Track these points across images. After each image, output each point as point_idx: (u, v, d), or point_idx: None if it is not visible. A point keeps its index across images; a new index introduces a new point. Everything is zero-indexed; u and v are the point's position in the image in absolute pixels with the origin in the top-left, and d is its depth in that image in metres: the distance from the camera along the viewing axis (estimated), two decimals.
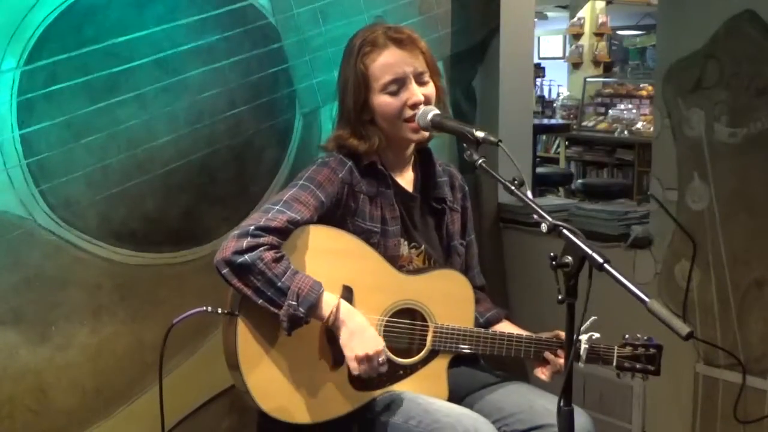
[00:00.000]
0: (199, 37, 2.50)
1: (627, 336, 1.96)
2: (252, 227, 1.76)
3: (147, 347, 2.44)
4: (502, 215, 3.37)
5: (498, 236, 3.37)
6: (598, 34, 9.90)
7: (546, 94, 10.31)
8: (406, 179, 2.02)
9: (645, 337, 1.95)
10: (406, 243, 1.98)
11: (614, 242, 2.94)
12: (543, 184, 6.95)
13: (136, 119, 2.41)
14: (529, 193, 1.67)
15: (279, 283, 1.74)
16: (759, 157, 2.58)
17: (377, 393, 1.88)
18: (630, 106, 8.42)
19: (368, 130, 1.93)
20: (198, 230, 2.55)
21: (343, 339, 1.78)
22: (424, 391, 1.89)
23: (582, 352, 1.90)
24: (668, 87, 2.80)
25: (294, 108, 2.73)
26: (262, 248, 1.74)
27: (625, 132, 7.99)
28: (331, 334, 1.83)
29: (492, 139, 1.74)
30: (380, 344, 1.78)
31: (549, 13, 10.99)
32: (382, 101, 1.91)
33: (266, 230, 1.76)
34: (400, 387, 1.90)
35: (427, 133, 1.93)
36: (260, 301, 1.75)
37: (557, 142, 8.76)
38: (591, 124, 8.59)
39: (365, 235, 1.91)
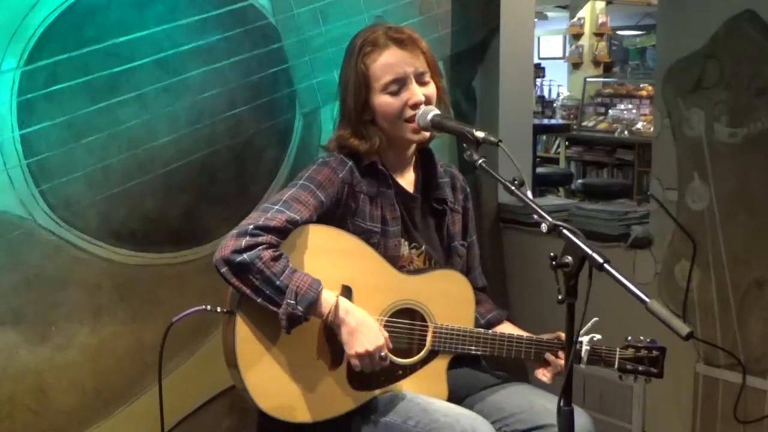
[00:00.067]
0: (199, 37, 2.50)
1: (629, 338, 1.95)
2: (251, 226, 1.76)
3: (147, 347, 2.44)
4: (502, 215, 3.37)
5: (498, 236, 3.37)
6: (598, 34, 9.91)
7: (546, 94, 10.31)
8: (407, 180, 2.02)
9: (648, 339, 1.94)
10: (406, 243, 1.98)
11: (614, 242, 2.94)
12: (543, 184, 6.95)
13: (136, 119, 2.41)
14: (529, 193, 1.66)
15: (277, 282, 1.74)
16: (759, 157, 2.58)
17: (376, 392, 1.88)
18: (630, 106, 8.42)
19: (369, 130, 1.93)
20: (198, 230, 2.55)
21: (344, 337, 1.78)
22: (423, 391, 1.89)
23: (583, 353, 1.89)
24: (668, 87, 2.80)
25: (294, 108, 2.73)
26: (260, 247, 1.75)
27: (625, 132, 7.99)
28: (330, 333, 1.83)
29: (492, 139, 1.74)
30: (380, 339, 1.78)
31: (549, 13, 10.99)
32: (383, 101, 1.91)
33: (265, 229, 1.76)
34: (400, 387, 1.90)
35: (427, 134, 1.93)
36: (259, 300, 1.76)
37: (557, 142, 8.76)
38: (591, 124, 8.59)
39: (365, 235, 1.91)
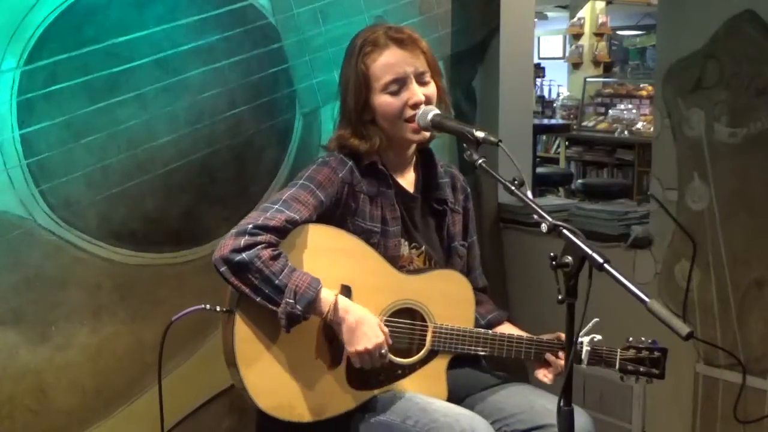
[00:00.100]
0: (199, 37, 2.50)
1: (631, 339, 1.94)
2: (250, 226, 1.77)
3: (147, 347, 2.44)
4: (502, 215, 3.37)
5: (498, 236, 3.37)
6: (598, 34, 9.90)
7: (546, 94, 10.31)
8: (407, 180, 2.02)
9: (649, 340, 1.93)
10: (406, 243, 1.98)
11: (614, 242, 2.94)
12: (543, 184, 6.95)
13: (136, 119, 2.41)
14: (529, 193, 1.66)
15: (276, 281, 1.74)
16: (759, 157, 2.58)
17: (375, 392, 1.88)
18: (630, 106, 8.42)
19: (369, 130, 1.93)
20: (198, 230, 2.55)
21: (344, 335, 1.79)
22: (423, 391, 1.89)
23: (584, 354, 1.89)
24: (668, 87, 2.80)
25: (294, 108, 2.73)
26: (259, 246, 1.75)
27: (625, 132, 7.99)
28: (329, 332, 1.83)
29: (492, 139, 1.74)
30: (380, 336, 1.79)
31: (549, 13, 10.99)
32: (383, 101, 1.91)
33: (264, 229, 1.77)
34: (399, 386, 1.90)
35: (427, 134, 1.93)
36: (258, 299, 1.76)
37: (557, 142, 8.76)
38: (591, 124, 8.59)
39: (365, 235, 1.91)
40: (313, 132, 2.76)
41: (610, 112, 8.52)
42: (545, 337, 1.97)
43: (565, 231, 1.53)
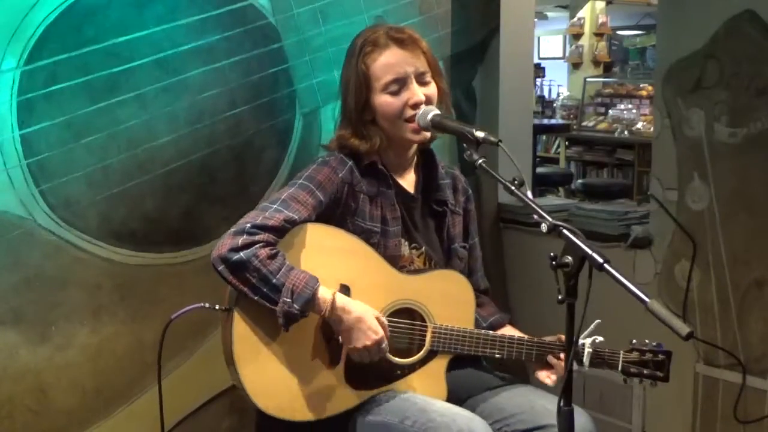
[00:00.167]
0: (199, 37, 2.50)
1: (634, 341, 1.93)
2: (248, 225, 1.77)
3: (147, 347, 2.44)
4: (502, 215, 3.37)
5: (498, 236, 3.37)
6: (598, 34, 9.90)
7: (546, 94, 10.31)
8: (408, 180, 2.02)
9: (654, 343, 1.92)
10: (407, 243, 1.98)
11: (614, 242, 2.94)
12: (543, 184, 6.95)
13: (136, 119, 2.41)
14: (529, 193, 1.67)
15: (274, 280, 1.74)
16: (759, 157, 2.58)
17: (374, 392, 1.88)
18: (630, 106, 8.42)
19: (370, 130, 1.93)
20: (198, 230, 2.55)
21: (342, 333, 1.80)
22: (422, 391, 1.89)
23: (585, 356, 1.88)
24: (668, 87, 2.80)
25: (294, 108, 2.73)
26: (257, 245, 1.75)
27: (625, 132, 7.99)
28: (327, 331, 1.84)
29: (492, 139, 1.74)
30: (379, 333, 1.79)
31: (549, 13, 10.99)
32: (383, 101, 1.91)
33: (262, 228, 1.77)
34: (398, 386, 1.90)
35: (428, 134, 1.93)
36: (256, 298, 1.76)
37: (557, 142, 8.75)
38: (591, 124, 8.59)
39: (365, 235, 1.91)
40: (313, 132, 2.76)
41: (610, 112, 8.52)
42: (547, 339, 1.96)
43: (565, 231, 1.53)
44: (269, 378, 1.81)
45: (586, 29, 9.87)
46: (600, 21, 9.91)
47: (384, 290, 1.89)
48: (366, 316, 1.79)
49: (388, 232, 1.94)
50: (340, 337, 1.83)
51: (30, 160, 2.25)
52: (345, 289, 1.85)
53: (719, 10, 2.62)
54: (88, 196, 2.35)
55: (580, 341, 1.87)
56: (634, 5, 9.97)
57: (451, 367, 1.96)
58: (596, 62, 9.85)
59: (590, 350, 1.89)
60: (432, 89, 1.94)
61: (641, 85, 8.64)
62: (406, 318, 1.91)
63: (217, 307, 1.84)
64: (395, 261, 1.93)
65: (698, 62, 2.70)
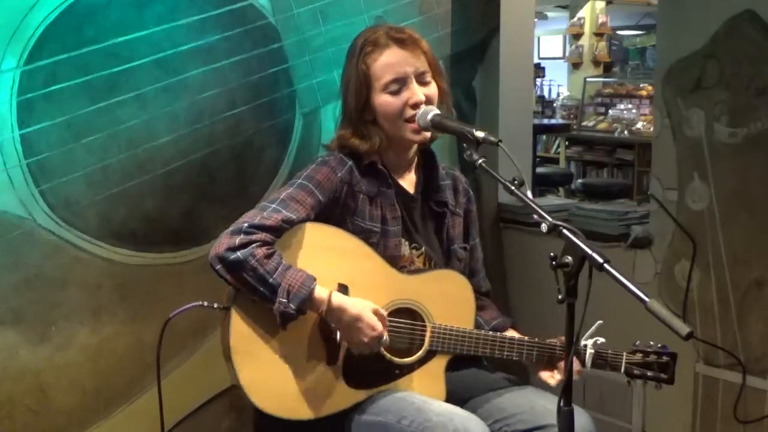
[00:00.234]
0: (199, 37, 2.50)
1: (638, 342, 1.92)
2: (246, 225, 1.78)
3: (147, 347, 2.43)
4: (502, 215, 3.37)
5: (498, 236, 3.37)
6: (598, 34, 9.90)
7: (546, 94, 10.31)
8: (408, 181, 2.02)
9: (659, 345, 1.91)
10: (407, 243, 1.98)
11: (614, 242, 2.94)
12: (543, 184, 6.95)
13: (136, 119, 2.41)
14: (529, 193, 1.66)
15: (270, 280, 1.75)
16: (759, 157, 2.58)
17: (372, 391, 1.88)
18: (630, 106, 8.42)
19: (370, 130, 1.93)
20: (198, 230, 2.55)
21: (341, 331, 1.81)
22: (421, 391, 1.89)
23: (587, 357, 1.87)
24: (668, 87, 2.80)
25: (294, 108, 2.73)
26: (254, 245, 1.76)
27: (625, 132, 7.99)
28: (325, 329, 1.84)
29: (492, 139, 1.74)
30: (377, 328, 1.79)
31: (549, 13, 10.99)
32: (383, 101, 1.91)
33: (260, 228, 1.78)
34: (396, 386, 1.90)
35: (428, 134, 1.93)
36: (254, 297, 1.77)
37: (557, 142, 8.75)
38: (591, 124, 8.59)
39: (364, 235, 1.91)
40: (313, 132, 2.76)
41: (610, 112, 8.52)
42: (548, 341, 1.95)
43: (565, 231, 1.53)
44: (267, 376, 1.81)
45: (586, 29, 9.87)
46: (600, 21, 9.91)
47: (383, 290, 1.89)
48: (363, 313, 1.79)
49: (388, 232, 1.94)
50: (338, 336, 1.83)
51: (30, 160, 2.25)
52: (343, 289, 1.85)
53: (719, 10, 2.62)
54: (88, 196, 2.35)
55: (582, 342, 1.87)
56: (634, 5, 9.97)
57: (453, 368, 1.96)
58: (596, 62, 9.84)
59: (592, 351, 1.88)
60: (432, 89, 1.94)
61: (641, 85, 8.64)
62: (405, 318, 1.91)
63: (215, 305, 1.85)
64: (395, 261, 1.93)
65: (698, 62, 2.70)
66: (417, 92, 1.90)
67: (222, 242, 1.77)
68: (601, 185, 6.96)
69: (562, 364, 1.91)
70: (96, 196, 2.36)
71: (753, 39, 2.56)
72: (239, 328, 1.80)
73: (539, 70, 10.00)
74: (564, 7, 10.38)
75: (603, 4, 9.93)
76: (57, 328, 2.33)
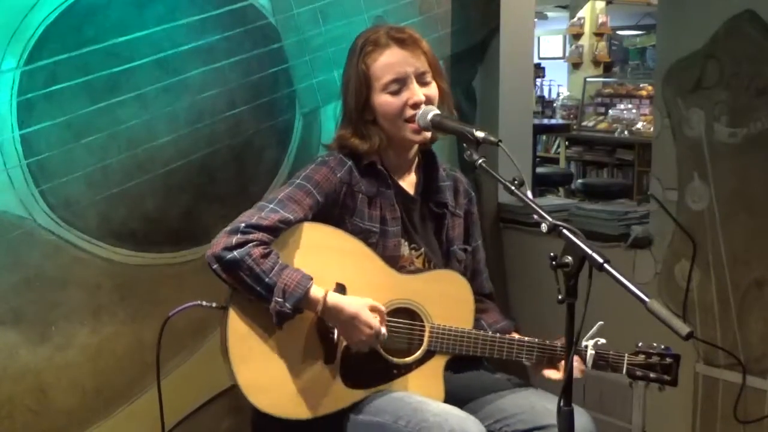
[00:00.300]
0: (199, 37, 2.50)
1: (640, 344, 1.90)
2: (243, 224, 1.78)
3: (147, 347, 2.43)
4: (502, 215, 3.37)
5: (498, 236, 3.37)
6: (598, 34, 9.91)
7: (546, 94, 10.31)
8: (408, 181, 2.02)
9: (662, 346, 1.90)
10: (406, 244, 1.98)
11: (614, 242, 2.94)
12: (543, 184, 6.95)
13: (136, 119, 2.41)
14: (529, 193, 1.66)
15: (266, 279, 1.75)
16: (759, 157, 2.58)
17: (370, 391, 1.88)
18: (630, 106, 8.42)
19: (370, 130, 1.93)
20: (198, 230, 2.55)
21: (339, 330, 1.81)
22: (419, 391, 1.88)
23: (588, 358, 1.86)
24: (668, 87, 2.80)
25: (294, 108, 2.73)
26: (250, 244, 1.76)
27: (625, 132, 7.99)
28: (322, 329, 1.84)
29: (492, 139, 1.74)
30: (374, 326, 1.79)
31: (549, 13, 11.00)
32: (383, 101, 1.91)
33: (257, 228, 1.78)
34: (394, 386, 1.89)
35: (428, 134, 1.93)
36: (251, 297, 1.77)
37: (557, 142, 8.76)
38: (591, 124, 8.59)
39: (363, 235, 1.91)
40: (313, 132, 2.76)
41: (610, 112, 8.52)
42: (547, 342, 1.94)
43: (565, 231, 1.53)
44: (264, 375, 1.81)
45: (586, 29, 9.87)
46: (600, 21, 9.91)
47: (381, 290, 1.88)
48: (360, 311, 1.79)
49: (388, 232, 1.94)
50: (336, 335, 1.83)
51: (30, 160, 2.25)
52: (341, 288, 1.85)
53: (719, 10, 2.62)
54: (87, 196, 2.35)
55: (583, 343, 1.86)
56: (634, 5, 9.97)
57: (454, 369, 1.96)
58: (596, 62, 9.85)
59: (593, 352, 1.87)
60: (432, 89, 1.94)
61: (641, 85, 8.64)
62: (404, 318, 1.91)
63: (214, 304, 1.86)
64: (395, 261, 1.93)
65: (698, 62, 2.70)
66: (417, 92, 1.90)
67: (219, 241, 1.78)
68: (601, 185, 6.96)
69: (562, 363, 1.91)
70: (96, 196, 2.36)
71: (753, 39, 2.56)
72: (237, 327, 1.80)
73: (539, 70, 10.01)
74: (564, 7, 10.39)
75: (603, 4, 9.93)
76: (57, 328, 2.33)
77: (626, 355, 1.90)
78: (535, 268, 3.10)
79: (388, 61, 1.90)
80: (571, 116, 9.00)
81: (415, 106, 1.90)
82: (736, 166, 2.64)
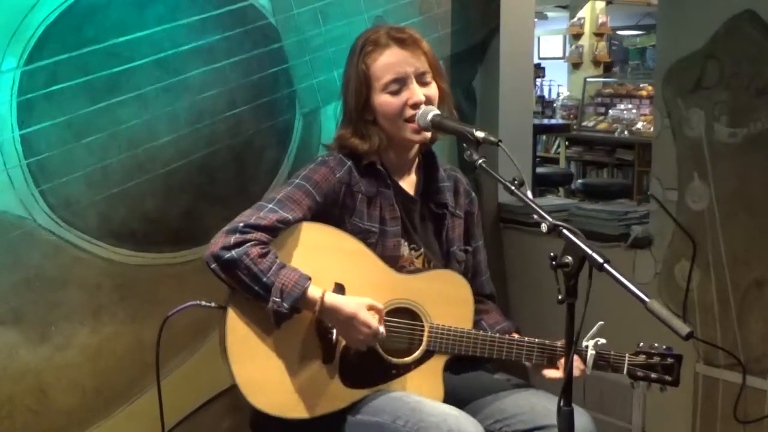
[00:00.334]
0: (199, 37, 2.50)
1: (641, 344, 1.90)
2: (241, 224, 1.78)
3: (147, 347, 2.43)
4: (502, 215, 3.37)
5: (498, 236, 3.37)
6: (598, 34, 9.91)
7: (546, 94, 10.32)
8: (408, 182, 2.02)
9: (663, 347, 1.89)
10: (406, 244, 1.98)
11: (614, 242, 2.94)
12: (543, 184, 6.95)
13: (136, 119, 2.41)
14: (529, 193, 1.66)
15: (264, 279, 1.75)
16: (759, 157, 2.58)
17: (368, 391, 1.88)
18: (630, 106, 8.43)
19: (370, 130, 1.93)
20: (198, 230, 2.55)
21: (337, 330, 1.82)
22: (418, 391, 1.88)
23: (589, 358, 1.85)
24: (668, 87, 2.80)
25: (294, 108, 2.73)
26: (248, 244, 1.76)
27: (625, 132, 7.99)
28: (321, 328, 1.84)
29: (492, 139, 1.74)
30: (372, 325, 1.79)
31: (549, 13, 11.00)
32: (383, 101, 1.91)
33: (255, 227, 1.78)
34: (393, 386, 1.89)
35: (428, 134, 1.93)
36: (248, 296, 1.78)
37: (557, 142, 8.76)
38: (591, 124, 8.59)
39: (363, 235, 1.91)
40: (313, 132, 2.76)
41: (610, 112, 8.52)
42: (547, 342, 1.94)
43: (565, 231, 1.53)
44: (263, 375, 1.81)
45: (586, 29, 9.87)
46: (600, 21, 9.92)
47: (380, 289, 1.88)
48: (358, 311, 1.79)
49: (387, 233, 1.94)
50: (334, 334, 1.83)
51: (30, 160, 2.25)
52: (340, 288, 1.85)
53: (719, 10, 2.62)
54: (87, 196, 2.35)
55: (583, 344, 1.86)
56: (634, 5, 9.98)
57: (454, 369, 1.95)
58: (596, 62, 9.85)
59: (593, 353, 1.87)
60: (432, 90, 1.94)
61: (641, 85, 8.65)
62: (403, 317, 1.91)
63: (213, 304, 1.86)
64: (395, 261, 1.93)
65: (698, 62, 2.70)
66: (417, 92, 1.90)
67: (217, 241, 1.78)
68: (601, 185, 6.96)
69: (562, 361, 1.91)
70: (96, 196, 2.36)
71: (753, 39, 2.56)
72: (236, 327, 1.80)
73: (539, 70, 10.01)
74: (564, 7, 10.39)
75: (603, 4, 9.94)
76: (57, 328, 2.33)
77: (627, 355, 1.90)
78: (535, 268, 3.10)
79: (388, 61, 1.90)
80: (571, 116, 9.00)
81: (415, 106, 1.90)
82: (736, 166, 2.64)
